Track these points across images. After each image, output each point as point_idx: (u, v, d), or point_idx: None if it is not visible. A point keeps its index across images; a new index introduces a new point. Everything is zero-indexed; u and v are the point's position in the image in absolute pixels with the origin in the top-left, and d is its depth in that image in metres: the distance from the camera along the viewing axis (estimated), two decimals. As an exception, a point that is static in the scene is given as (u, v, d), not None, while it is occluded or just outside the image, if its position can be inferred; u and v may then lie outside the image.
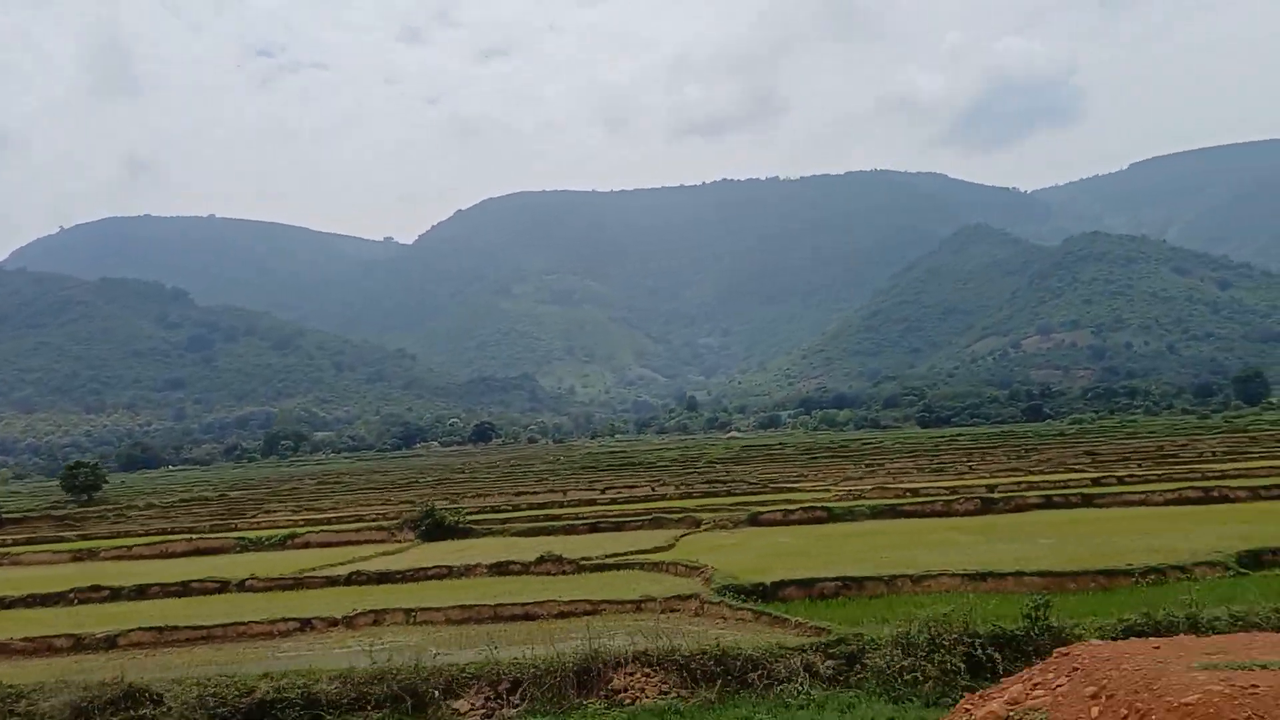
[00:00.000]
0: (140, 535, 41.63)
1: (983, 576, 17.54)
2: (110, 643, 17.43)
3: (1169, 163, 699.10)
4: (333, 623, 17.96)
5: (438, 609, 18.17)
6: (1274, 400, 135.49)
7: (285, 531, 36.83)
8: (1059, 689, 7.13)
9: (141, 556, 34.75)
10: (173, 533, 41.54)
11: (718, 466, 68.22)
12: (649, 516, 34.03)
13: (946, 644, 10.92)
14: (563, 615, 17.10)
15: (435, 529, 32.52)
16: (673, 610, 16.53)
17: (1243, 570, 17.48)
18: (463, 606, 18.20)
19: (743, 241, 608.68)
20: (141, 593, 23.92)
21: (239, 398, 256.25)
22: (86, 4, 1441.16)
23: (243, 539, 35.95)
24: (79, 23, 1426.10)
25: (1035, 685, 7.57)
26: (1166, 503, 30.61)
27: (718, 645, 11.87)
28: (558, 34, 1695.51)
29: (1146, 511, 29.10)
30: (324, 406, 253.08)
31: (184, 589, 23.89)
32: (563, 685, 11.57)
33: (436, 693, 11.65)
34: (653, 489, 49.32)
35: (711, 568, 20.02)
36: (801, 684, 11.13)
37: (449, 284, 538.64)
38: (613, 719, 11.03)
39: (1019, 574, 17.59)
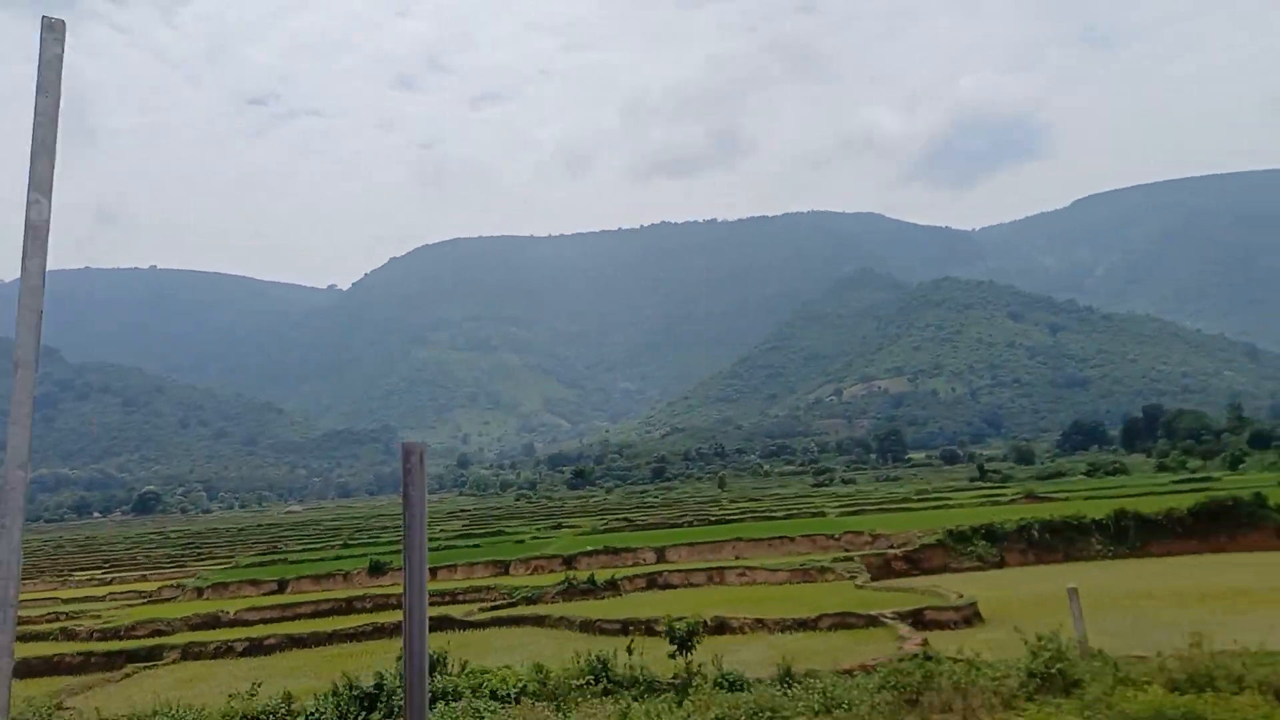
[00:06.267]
0: None
1: None
2: None
3: (1109, 199, 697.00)
4: None
5: None
6: (913, 457, 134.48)
7: None
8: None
9: None
10: None
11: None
12: None
13: None
14: None
15: None
16: None
17: None
18: None
19: (671, 286, 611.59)
20: None
21: (64, 458, 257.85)
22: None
23: None
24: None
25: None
26: None
27: None
28: (547, 79, 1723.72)
29: None
30: (144, 465, 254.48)
31: None
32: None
33: None
34: None
35: None
36: None
37: (370, 332, 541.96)
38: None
39: None
